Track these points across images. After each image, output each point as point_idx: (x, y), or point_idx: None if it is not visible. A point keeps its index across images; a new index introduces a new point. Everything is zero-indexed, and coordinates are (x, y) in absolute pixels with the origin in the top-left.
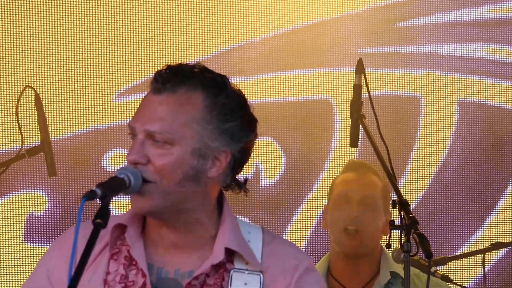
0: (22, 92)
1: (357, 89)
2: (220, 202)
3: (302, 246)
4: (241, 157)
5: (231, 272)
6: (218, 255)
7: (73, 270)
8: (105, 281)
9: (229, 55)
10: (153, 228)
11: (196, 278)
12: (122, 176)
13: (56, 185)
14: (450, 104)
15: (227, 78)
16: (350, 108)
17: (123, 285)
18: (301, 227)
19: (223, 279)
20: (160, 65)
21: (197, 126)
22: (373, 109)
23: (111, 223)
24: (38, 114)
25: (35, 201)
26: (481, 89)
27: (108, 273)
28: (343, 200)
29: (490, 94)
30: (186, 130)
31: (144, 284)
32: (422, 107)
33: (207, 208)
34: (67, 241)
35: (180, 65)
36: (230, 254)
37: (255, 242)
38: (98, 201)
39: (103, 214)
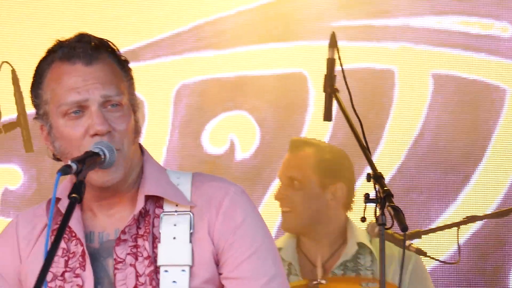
0: None
1: (330, 63)
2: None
3: (278, 219)
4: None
5: (161, 216)
6: (138, 206)
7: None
8: None
9: (204, 28)
10: (91, 195)
11: (124, 232)
12: (97, 150)
13: (31, 159)
14: (425, 77)
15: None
16: (323, 82)
17: (66, 258)
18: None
19: (153, 225)
20: (140, 38)
21: (126, 83)
22: (346, 83)
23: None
24: (14, 89)
25: (10, 175)
26: (455, 61)
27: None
28: (279, 181)
29: (464, 66)
30: (125, 89)
31: (83, 252)
32: (397, 80)
33: (138, 162)
34: (9, 235)
35: (83, 35)
36: (158, 200)
37: (185, 185)
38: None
39: (79, 189)
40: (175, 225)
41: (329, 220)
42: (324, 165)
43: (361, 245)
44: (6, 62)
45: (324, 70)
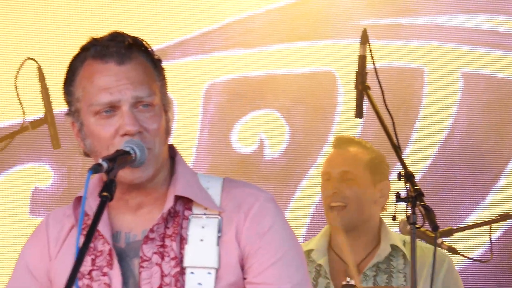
0: (22, 64)
1: (362, 59)
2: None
3: (307, 218)
4: None
5: (190, 217)
6: (167, 205)
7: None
8: None
9: (233, 26)
10: (118, 194)
11: (152, 231)
12: (128, 149)
13: (61, 157)
14: (454, 75)
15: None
16: (355, 79)
17: (93, 256)
18: (305, 199)
19: (181, 227)
20: (169, 37)
21: (159, 83)
22: (378, 79)
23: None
24: (40, 86)
25: (40, 174)
26: (485, 60)
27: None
28: (326, 179)
29: (493, 65)
30: (156, 89)
31: (110, 251)
32: (426, 79)
33: (167, 162)
34: (40, 235)
35: (117, 34)
36: (188, 202)
37: (214, 188)
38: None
39: (110, 187)
40: (203, 227)
41: (370, 218)
42: (374, 162)
43: (394, 247)
44: (32, 58)
45: (353, 69)
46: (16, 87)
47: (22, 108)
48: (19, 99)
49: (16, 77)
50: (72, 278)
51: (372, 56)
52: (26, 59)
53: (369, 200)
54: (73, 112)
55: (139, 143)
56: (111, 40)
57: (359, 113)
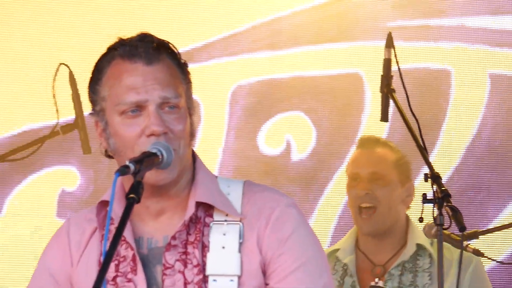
0: (57, 70)
1: (387, 63)
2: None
3: (334, 220)
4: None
5: (211, 225)
6: (189, 211)
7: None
8: (99, 262)
9: (259, 29)
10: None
11: (174, 238)
12: (154, 151)
13: (88, 161)
14: (481, 77)
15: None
16: (380, 83)
17: (116, 262)
18: (332, 201)
19: (203, 234)
20: (195, 39)
21: (185, 86)
22: (403, 83)
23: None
24: (72, 91)
25: (67, 177)
26: None
27: (101, 253)
28: (354, 179)
29: None
30: (182, 92)
31: (134, 256)
32: (453, 80)
33: (190, 167)
34: (61, 239)
35: (145, 35)
36: (209, 209)
37: (235, 193)
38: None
39: (137, 189)
40: (224, 234)
41: (398, 218)
42: (400, 162)
43: (420, 247)
44: (64, 64)
45: (380, 71)
46: (54, 94)
47: (57, 112)
48: (56, 104)
49: (54, 83)
50: (99, 281)
51: (397, 59)
52: (59, 65)
53: (398, 200)
54: (97, 112)
55: (165, 145)
56: (140, 40)
57: (384, 117)
